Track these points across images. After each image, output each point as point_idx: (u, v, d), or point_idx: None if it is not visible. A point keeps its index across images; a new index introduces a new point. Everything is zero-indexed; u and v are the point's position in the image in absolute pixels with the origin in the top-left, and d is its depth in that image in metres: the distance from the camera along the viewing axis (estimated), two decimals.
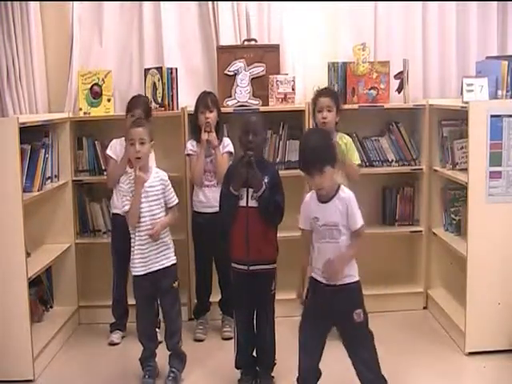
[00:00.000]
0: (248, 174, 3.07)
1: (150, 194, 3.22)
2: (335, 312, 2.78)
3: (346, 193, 2.78)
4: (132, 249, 3.24)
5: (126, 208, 3.20)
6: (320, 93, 3.73)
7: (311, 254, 2.86)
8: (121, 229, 3.58)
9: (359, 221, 2.76)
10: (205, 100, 3.82)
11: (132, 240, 3.24)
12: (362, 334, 2.80)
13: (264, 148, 3.65)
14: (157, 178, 3.27)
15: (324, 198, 2.78)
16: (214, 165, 3.80)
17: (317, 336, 2.84)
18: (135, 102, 3.80)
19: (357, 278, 2.81)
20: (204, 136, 3.75)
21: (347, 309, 2.77)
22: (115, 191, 3.83)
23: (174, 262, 3.30)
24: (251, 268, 3.14)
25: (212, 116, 3.81)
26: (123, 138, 3.69)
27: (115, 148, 3.82)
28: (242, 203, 3.12)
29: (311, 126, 4.02)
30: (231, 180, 3.16)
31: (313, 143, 2.78)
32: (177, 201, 3.32)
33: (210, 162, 3.82)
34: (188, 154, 3.89)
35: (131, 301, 3.61)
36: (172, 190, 3.31)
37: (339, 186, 2.80)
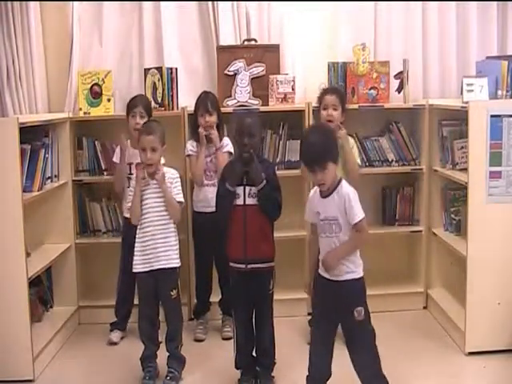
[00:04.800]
0: (249, 169, 3.06)
1: (156, 191, 3.22)
2: (337, 308, 2.76)
3: (344, 187, 2.75)
4: (135, 245, 3.24)
5: (129, 205, 3.25)
6: (326, 91, 3.73)
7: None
8: (132, 229, 3.59)
9: (358, 215, 2.70)
10: (205, 103, 3.81)
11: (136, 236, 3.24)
12: (362, 333, 2.77)
13: (260, 147, 3.63)
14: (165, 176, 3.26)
15: (325, 193, 2.77)
16: (213, 164, 3.81)
17: (324, 333, 2.82)
18: (135, 100, 3.82)
19: (359, 275, 2.77)
20: (202, 132, 3.74)
21: (348, 305, 2.75)
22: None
23: (175, 265, 3.26)
24: (249, 266, 3.12)
25: (212, 120, 3.80)
26: (128, 141, 3.79)
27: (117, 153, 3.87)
28: (239, 201, 3.11)
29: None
30: (227, 177, 3.16)
31: (315, 139, 2.76)
32: (182, 199, 3.28)
33: (209, 162, 3.83)
34: (188, 155, 3.89)
35: (136, 301, 3.62)
36: (179, 188, 3.28)
37: (340, 182, 2.77)
